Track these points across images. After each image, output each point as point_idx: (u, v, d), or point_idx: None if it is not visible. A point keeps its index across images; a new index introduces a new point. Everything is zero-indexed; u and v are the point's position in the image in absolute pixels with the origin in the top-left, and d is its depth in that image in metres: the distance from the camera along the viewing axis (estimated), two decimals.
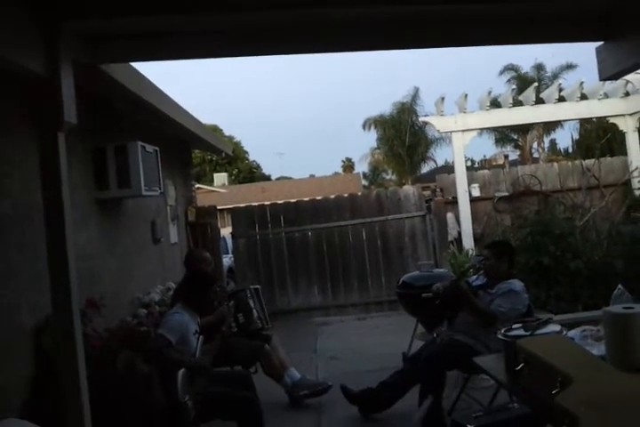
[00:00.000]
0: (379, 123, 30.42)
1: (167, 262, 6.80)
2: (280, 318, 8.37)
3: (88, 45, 3.20)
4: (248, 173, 45.55)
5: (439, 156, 48.03)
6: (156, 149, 5.39)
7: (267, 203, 9.36)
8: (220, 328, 4.29)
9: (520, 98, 8.94)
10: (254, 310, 5.04)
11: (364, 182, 38.84)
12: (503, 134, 26.45)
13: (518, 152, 28.42)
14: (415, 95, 28.82)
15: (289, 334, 7.19)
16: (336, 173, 48.02)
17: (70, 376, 2.73)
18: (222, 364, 4.42)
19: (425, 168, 32.59)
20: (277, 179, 47.43)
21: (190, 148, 8.80)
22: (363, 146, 64.62)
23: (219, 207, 10.01)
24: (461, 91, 8.62)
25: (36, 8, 2.66)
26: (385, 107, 40.97)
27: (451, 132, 8.63)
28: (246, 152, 47.26)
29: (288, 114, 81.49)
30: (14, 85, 2.96)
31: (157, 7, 2.91)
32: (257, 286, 5.38)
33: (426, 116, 21.85)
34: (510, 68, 25.68)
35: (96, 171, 4.80)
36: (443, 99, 8.63)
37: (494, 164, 30.95)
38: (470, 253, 7.81)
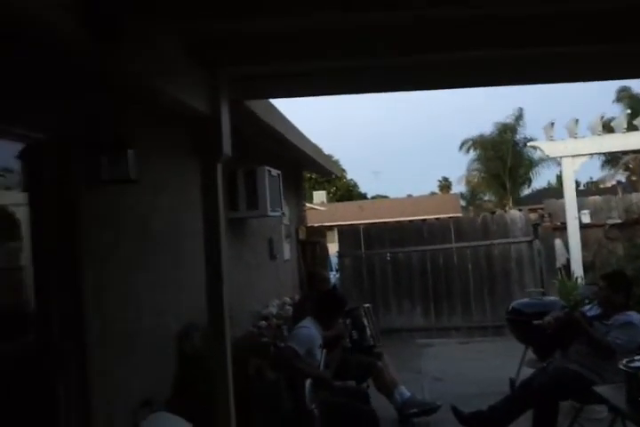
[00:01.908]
0: (478, 143, 30.07)
1: (281, 278, 7.21)
2: (383, 336, 8.52)
3: (237, 85, 3.61)
4: (346, 192, 46.10)
5: (542, 177, 46.51)
6: (279, 172, 5.81)
7: (366, 222, 9.61)
8: (339, 343, 4.56)
9: (635, 122, 8.72)
10: (367, 328, 5.28)
11: (462, 203, 38.32)
12: (612, 155, 25.40)
13: (627, 174, 27.16)
14: (519, 116, 28.33)
15: (393, 353, 7.32)
16: (433, 193, 47.65)
17: (221, 374, 3.10)
18: (336, 378, 4.68)
19: (526, 190, 31.82)
20: (373, 197, 47.65)
21: (302, 169, 9.25)
22: (460, 166, 63.73)
23: (318, 224, 10.38)
24: (562, 114, 8.55)
25: (202, 57, 3.07)
26: (484, 127, 40.44)
27: (560, 157, 8.55)
28: (344, 170, 47.88)
29: (385, 132, 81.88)
30: (182, 123, 3.41)
31: (304, 53, 3.26)
32: (369, 305, 5.63)
33: (527, 138, 21.28)
34: (622, 90, 24.75)
35: (229, 193, 5.26)
36: (552, 124, 8.59)
37: (602, 186, 29.71)
38: (580, 281, 7.68)
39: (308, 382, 3.66)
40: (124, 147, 3.08)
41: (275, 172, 5.64)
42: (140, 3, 2.11)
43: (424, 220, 10.71)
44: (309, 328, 4.11)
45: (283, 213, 6.16)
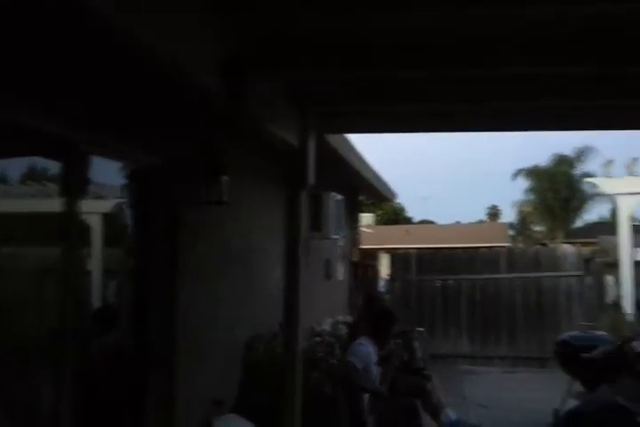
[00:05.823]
0: (533, 174, 29.85)
1: (334, 297, 7.50)
2: (427, 361, 8.71)
3: (322, 121, 3.97)
4: (392, 215, 46.10)
5: (595, 211, 45.61)
6: (343, 197, 6.15)
7: (413, 246, 9.85)
8: (392, 361, 4.82)
9: None
10: (418, 351, 5.53)
11: (511, 232, 37.83)
12: None
13: None
14: (583, 151, 27.81)
15: (437, 378, 7.50)
16: (480, 221, 47.16)
17: (290, 385, 3.39)
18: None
19: (578, 223, 31.31)
20: (419, 222, 47.44)
21: (358, 194, 9.55)
22: (510, 194, 62.79)
23: (364, 246, 10.57)
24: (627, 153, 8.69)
25: (296, 99, 3.44)
26: (539, 158, 40.08)
27: (617, 194, 8.66)
28: (396, 195, 47.76)
29: (434, 158, 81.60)
30: (271, 153, 3.78)
31: (384, 98, 3.60)
32: (422, 330, 5.88)
33: (585, 172, 21.05)
34: None
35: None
36: (610, 162, 8.75)
37: None
38: (631, 318, 7.73)
39: (365, 397, 3.94)
40: (219, 173, 3.47)
41: (339, 196, 5.98)
42: (257, 63, 2.52)
43: (477, 248, 10.85)
44: (367, 346, 4.39)
45: (344, 236, 6.48)
